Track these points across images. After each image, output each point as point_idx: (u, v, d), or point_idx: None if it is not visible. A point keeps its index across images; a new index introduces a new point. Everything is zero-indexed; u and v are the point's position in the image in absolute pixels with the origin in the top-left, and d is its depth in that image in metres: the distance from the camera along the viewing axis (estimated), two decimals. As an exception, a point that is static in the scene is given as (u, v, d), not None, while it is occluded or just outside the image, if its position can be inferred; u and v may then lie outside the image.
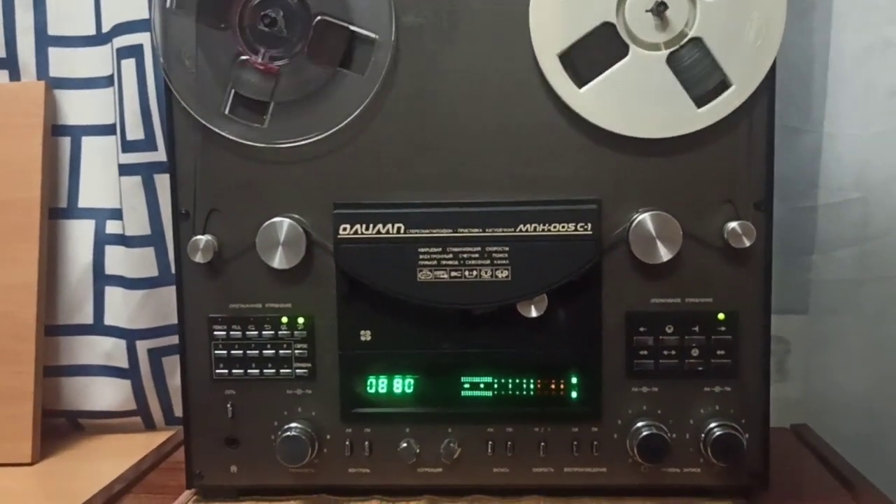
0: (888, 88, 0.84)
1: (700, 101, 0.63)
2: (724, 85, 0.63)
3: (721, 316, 0.66)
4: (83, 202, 0.93)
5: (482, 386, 0.68)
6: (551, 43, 0.63)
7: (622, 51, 0.63)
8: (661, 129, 0.64)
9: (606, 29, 0.63)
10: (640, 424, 0.66)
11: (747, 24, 0.62)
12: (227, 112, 0.65)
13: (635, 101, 0.63)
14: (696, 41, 0.63)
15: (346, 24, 0.64)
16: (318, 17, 0.64)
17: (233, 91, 0.65)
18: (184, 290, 0.68)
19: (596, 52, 0.63)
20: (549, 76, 0.63)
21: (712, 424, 0.65)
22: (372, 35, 0.64)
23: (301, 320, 0.68)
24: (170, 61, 0.65)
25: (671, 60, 0.63)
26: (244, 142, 0.65)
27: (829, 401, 0.91)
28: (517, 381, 0.68)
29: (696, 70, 0.63)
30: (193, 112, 0.65)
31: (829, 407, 0.90)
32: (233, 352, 0.68)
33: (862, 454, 0.81)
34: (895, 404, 0.87)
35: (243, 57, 0.64)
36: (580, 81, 0.63)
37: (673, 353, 0.66)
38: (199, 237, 0.66)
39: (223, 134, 0.65)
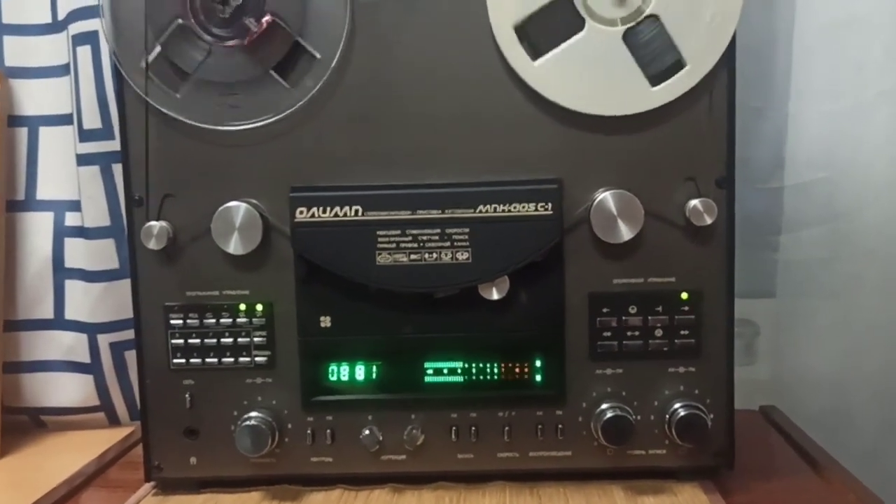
0: (854, 64, 0.84)
1: (655, 80, 0.63)
2: (679, 64, 0.62)
3: (684, 295, 0.65)
4: (41, 194, 0.91)
5: (445, 371, 0.67)
6: (508, 14, 0.62)
7: (578, 25, 0.62)
8: (615, 107, 0.63)
9: (564, 2, 0.62)
10: (604, 406, 0.65)
11: (705, 4, 0.61)
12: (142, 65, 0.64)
13: (590, 76, 0.63)
14: (653, 18, 0.62)
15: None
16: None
17: (159, 50, 0.63)
18: (139, 279, 0.67)
19: (553, 25, 0.62)
20: (504, 49, 0.62)
21: (677, 405, 0.65)
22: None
23: (259, 307, 0.66)
24: (120, 45, 0.63)
25: (627, 37, 0.62)
26: (198, 124, 0.64)
27: (799, 381, 0.91)
28: (480, 365, 0.67)
29: (652, 47, 0.62)
30: (144, 94, 0.64)
31: (798, 387, 0.90)
32: (190, 340, 0.67)
33: (831, 431, 0.81)
34: (862, 380, 0.87)
35: (180, 21, 0.63)
36: (535, 54, 0.63)
37: (636, 333, 0.66)
38: (152, 223, 0.65)
39: (176, 117, 0.64)
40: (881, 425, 0.85)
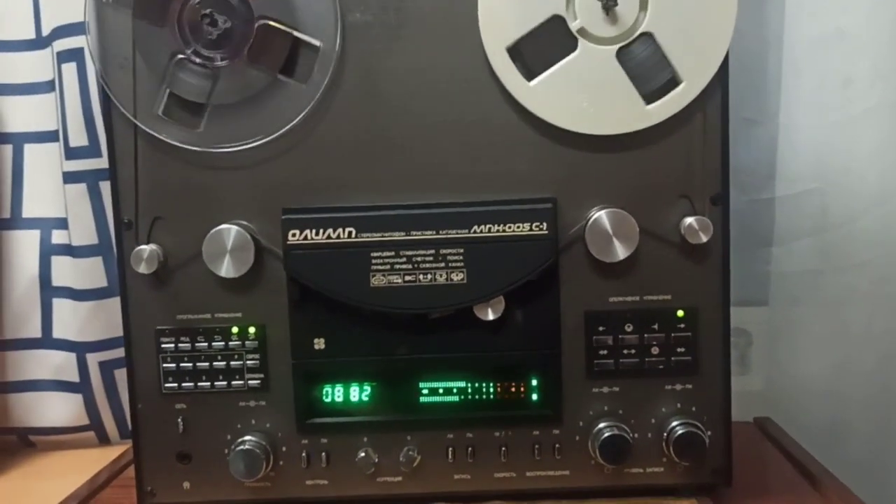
0: (843, 78, 0.84)
1: (649, 98, 0.62)
2: (673, 82, 0.62)
3: (680, 313, 0.65)
4: (27, 212, 0.90)
5: (441, 391, 0.66)
6: (500, 36, 0.62)
7: (571, 45, 0.62)
8: (607, 126, 0.62)
9: (556, 22, 0.62)
10: (601, 425, 0.65)
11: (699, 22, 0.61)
12: (160, 113, 0.63)
13: (584, 96, 0.62)
14: (647, 36, 0.62)
15: (289, 30, 0.62)
16: (261, 21, 0.61)
17: (168, 91, 0.62)
18: (129, 303, 0.66)
19: (545, 45, 0.62)
20: (497, 70, 0.62)
21: (674, 423, 0.65)
22: (316, 42, 0.62)
23: (252, 330, 0.66)
24: (106, 65, 0.63)
25: (621, 55, 0.62)
26: (187, 147, 0.63)
27: (792, 391, 0.91)
28: (476, 385, 0.66)
29: (647, 65, 0.62)
30: (132, 117, 0.63)
31: (792, 397, 0.91)
32: (182, 364, 0.66)
33: (826, 441, 0.82)
34: (856, 390, 0.87)
35: (180, 56, 0.62)
36: (529, 75, 0.62)
37: (633, 351, 0.65)
38: (142, 247, 0.64)
39: (164, 139, 0.63)
40: (877, 434, 0.86)
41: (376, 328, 0.65)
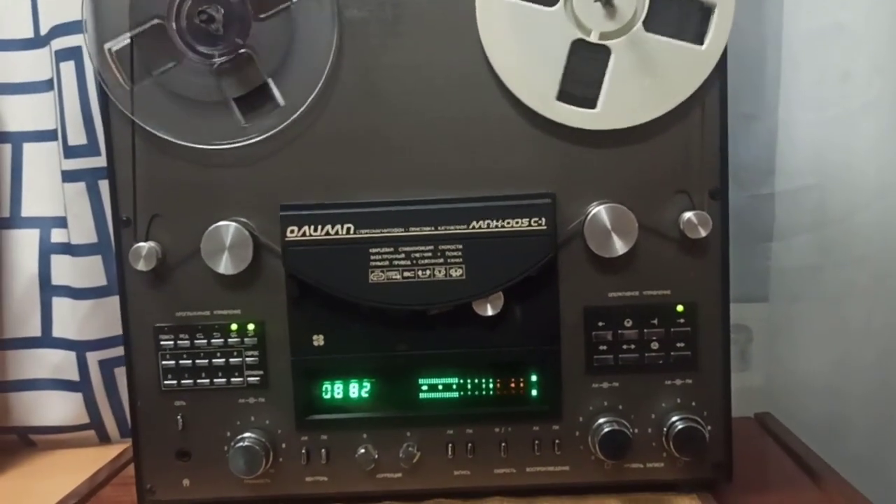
0: (841, 72, 0.84)
1: (698, 41, 0.62)
2: (708, 12, 0.62)
3: (679, 308, 0.65)
4: (26, 211, 0.90)
5: (440, 387, 0.66)
6: (544, 92, 0.62)
7: (604, 53, 0.62)
8: (685, 88, 0.62)
9: (578, 45, 0.62)
10: (601, 421, 0.65)
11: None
12: (244, 125, 0.63)
13: (648, 82, 0.62)
14: None
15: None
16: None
17: (233, 100, 0.63)
18: (128, 300, 0.66)
19: (584, 70, 0.62)
20: (560, 119, 0.62)
21: (674, 418, 0.65)
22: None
23: (251, 327, 0.66)
24: (104, 63, 0.62)
25: (648, 27, 0.61)
26: (185, 143, 0.63)
27: (793, 387, 0.91)
28: (475, 381, 0.66)
29: (676, 18, 0.61)
30: (130, 114, 0.63)
31: (792, 393, 0.90)
32: (181, 362, 0.66)
33: (827, 437, 0.81)
34: (856, 386, 0.87)
35: (215, 66, 0.62)
36: (590, 103, 0.62)
37: (632, 347, 0.65)
38: (140, 244, 0.64)
39: (163, 136, 0.63)
40: (877, 430, 0.85)
41: (375, 324, 0.65)
